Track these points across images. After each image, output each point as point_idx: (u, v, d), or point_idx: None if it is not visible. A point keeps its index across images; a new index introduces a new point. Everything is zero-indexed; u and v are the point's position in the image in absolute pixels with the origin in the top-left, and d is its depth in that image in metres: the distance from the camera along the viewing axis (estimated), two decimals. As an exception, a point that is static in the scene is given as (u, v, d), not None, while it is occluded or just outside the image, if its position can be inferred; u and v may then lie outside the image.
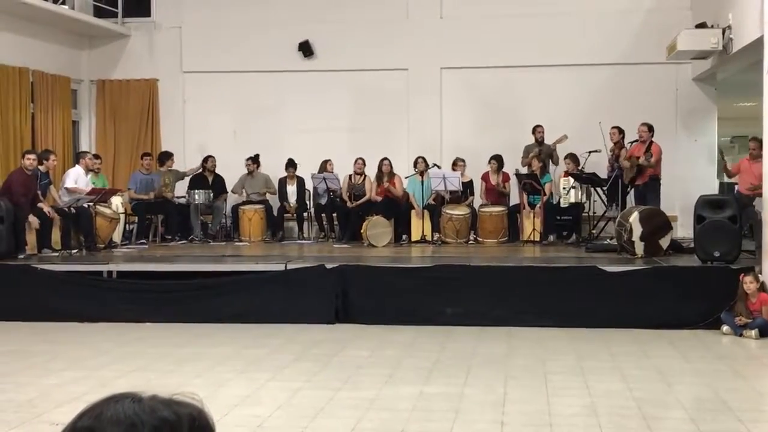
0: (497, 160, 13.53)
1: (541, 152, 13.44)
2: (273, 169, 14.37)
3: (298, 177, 14.16)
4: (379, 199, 13.44)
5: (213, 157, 14.27)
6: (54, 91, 14.39)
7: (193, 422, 1.23)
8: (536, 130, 13.61)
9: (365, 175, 13.73)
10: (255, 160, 14.27)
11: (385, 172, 13.56)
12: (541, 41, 14.32)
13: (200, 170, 14.27)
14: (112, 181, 14.49)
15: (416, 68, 14.75)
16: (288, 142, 14.79)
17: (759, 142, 11.50)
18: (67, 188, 12.31)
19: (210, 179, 14.17)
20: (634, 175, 12.17)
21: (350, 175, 13.76)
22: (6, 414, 5.92)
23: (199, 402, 1.27)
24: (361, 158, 13.69)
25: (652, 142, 12.16)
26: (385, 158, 13.62)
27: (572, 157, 12.92)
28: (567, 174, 12.67)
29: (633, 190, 12.40)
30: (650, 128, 12.22)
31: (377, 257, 11.09)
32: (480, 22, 14.52)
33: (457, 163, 13.60)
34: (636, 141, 12.26)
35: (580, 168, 12.64)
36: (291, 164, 14.11)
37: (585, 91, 14.34)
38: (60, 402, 6.18)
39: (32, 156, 11.47)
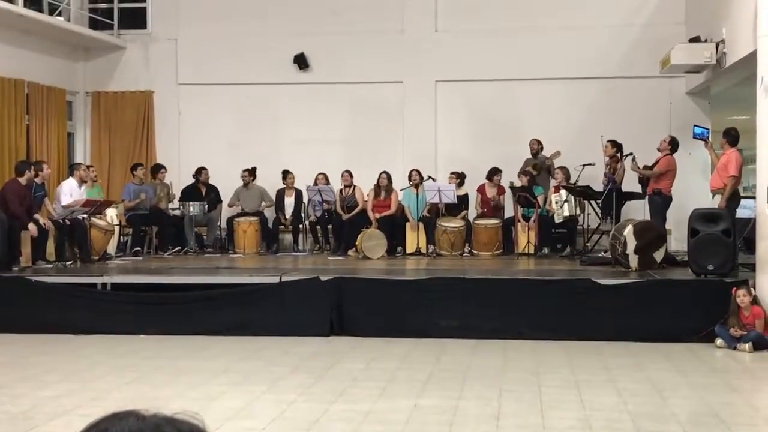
0: (494, 172, 13.60)
1: (537, 165, 13.51)
2: (268, 181, 14.37)
3: (296, 189, 14.17)
4: (376, 216, 13.40)
5: (206, 170, 14.28)
6: (49, 102, 14.40)
7: (194, 439, 1.25)
8: (531, 143, 13.73)
9: (354, 186, 13.74)
10: (252, 172, 14.28)
11: (382, 186, 13.57)
12: (536, 55, 14.41)
13: (193, 182, 14.28)
14: (107, 192, 14.48)
15: (411, 81, 14.81)
16: (283, 154, 14.82)
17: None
18: (63, 205, 12.27)
19: (204, 191, 14.18)
20: (644, 184, 12.09)
21: (341, 189, 13.79)
22: (1, 426, 5.91)
23: (200, 421, 1.29)
24: (347, 171, 13.71)
25: (668, 155, 11.92)
26: (383, 172, 13.62)
27: (563, 170, 12.92)
28: (558, 188, 12.61)
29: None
30: (671, 141, 11.98)
31: (372, 269, 11.09)
32: (475, 36, 14.60)
33: (451, 177, 13.64)
34: (630, 154, 12.15)
35: (572, 181, 12.62)
36: (287, 173, 14.12)
37: (579, 104, 14.43)
38: (55, 414, 6.17)
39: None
